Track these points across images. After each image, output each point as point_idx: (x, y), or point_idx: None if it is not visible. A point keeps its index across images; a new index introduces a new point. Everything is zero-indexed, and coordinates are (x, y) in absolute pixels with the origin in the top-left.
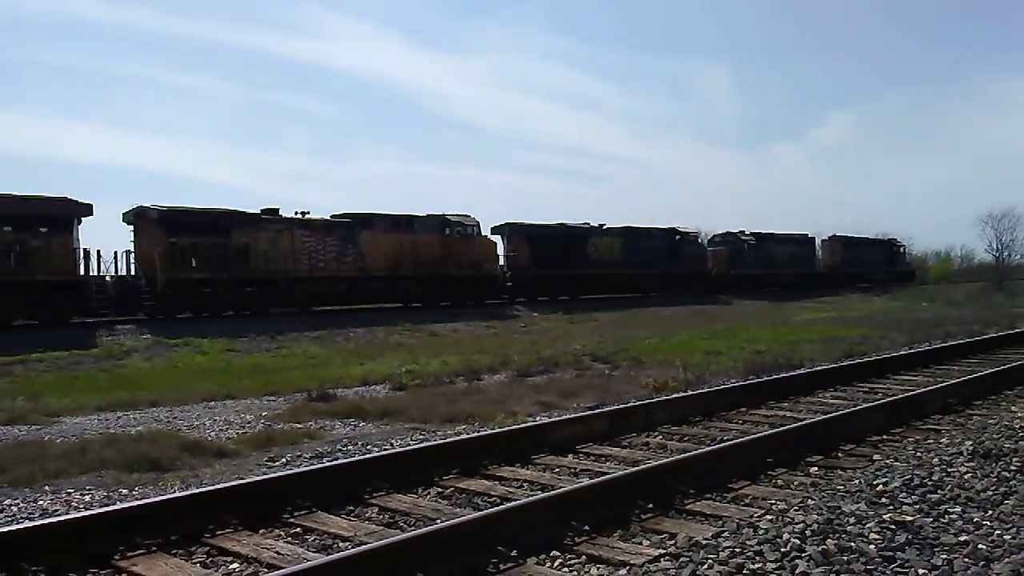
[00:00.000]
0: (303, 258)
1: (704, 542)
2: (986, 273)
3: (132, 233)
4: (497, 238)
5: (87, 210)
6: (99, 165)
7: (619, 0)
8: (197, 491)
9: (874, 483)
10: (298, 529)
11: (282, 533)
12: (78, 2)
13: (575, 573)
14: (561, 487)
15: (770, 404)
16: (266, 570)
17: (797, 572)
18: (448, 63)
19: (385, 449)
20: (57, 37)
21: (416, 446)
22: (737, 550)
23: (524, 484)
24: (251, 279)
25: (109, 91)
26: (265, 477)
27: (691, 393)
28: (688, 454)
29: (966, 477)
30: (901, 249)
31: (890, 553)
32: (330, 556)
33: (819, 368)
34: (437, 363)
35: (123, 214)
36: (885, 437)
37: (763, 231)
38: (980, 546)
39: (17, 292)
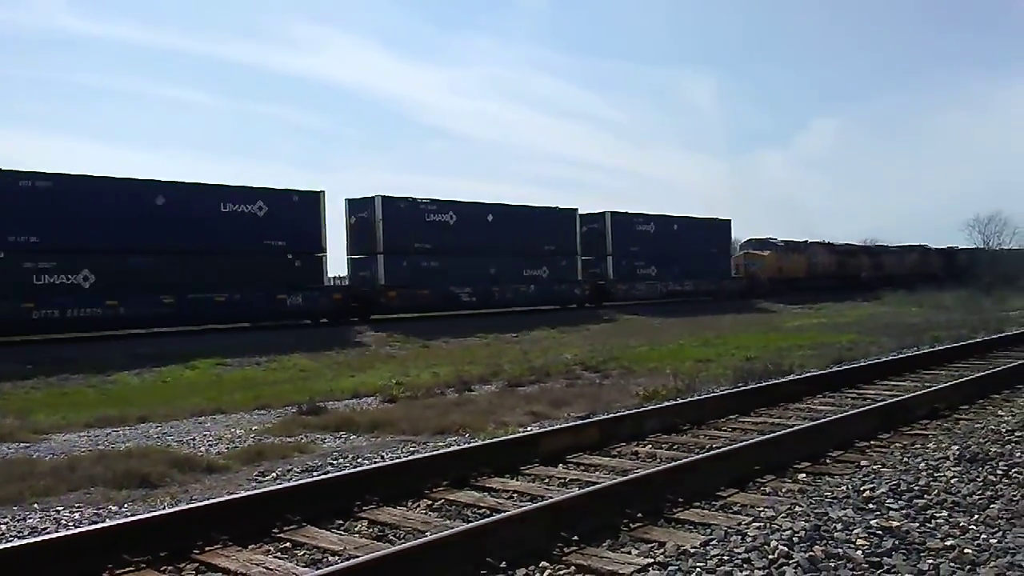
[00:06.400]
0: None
1: (692, 550)
2: None
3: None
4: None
5: None
6: None
7: (602, 10)
8: (186, 507)
9: (861, 489)
10: (288, 544)
11: (271, 548)
12: (63, 16)
13: None
14: (550, 498)
15: (759, 411)
16: None
17: None
18: (434, 74)
19: (375, 462)
20: (43, 52)
21: (406, 458)
22: (725, 558)
23: (514, 495)
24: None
25: (97, 105)
26: (254, 492)
27: (681, 402)
28: (677, 463)
29: (952, 482)
30: None
31: (877, 559)
32: (319, 571)
33: (808, 374)
34: (428, 374)
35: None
36: (873, 442)
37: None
38: (967, 550)
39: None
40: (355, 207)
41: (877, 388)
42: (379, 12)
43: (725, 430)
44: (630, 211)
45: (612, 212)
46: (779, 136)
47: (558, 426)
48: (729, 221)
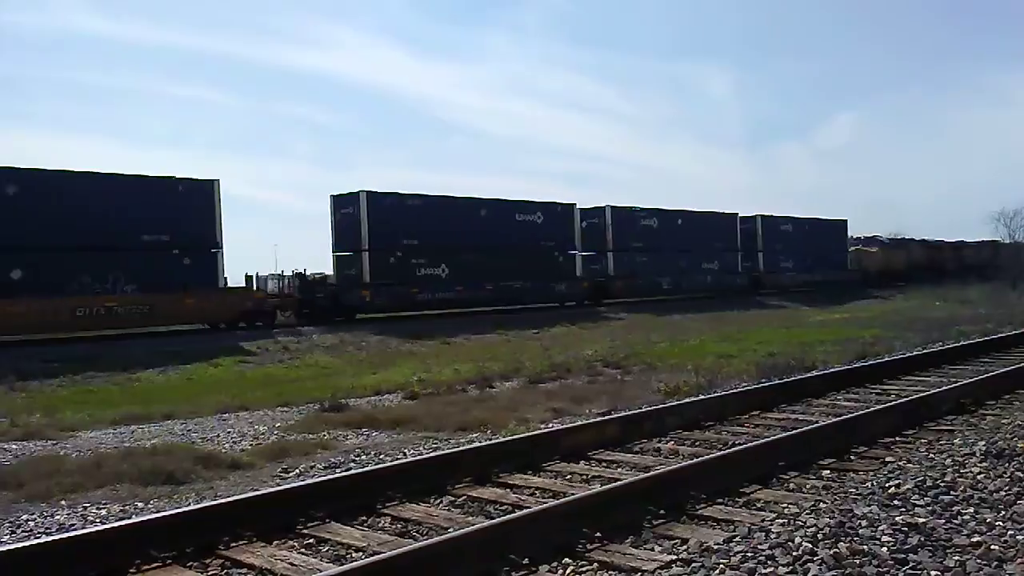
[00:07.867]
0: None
1: (716, 547)
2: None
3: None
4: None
5: None
6: None
7: (616, 4)
8: (211, 503)
9: (886, 485)
10: (312, 540)
11: (296, 544)
12: (79, 17)
13: None
14: (573, 494)
15: (782, 407)
16: None
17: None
18: (449, 70)
19: (398, 459)
20: (60, 53)
21: (428, 455)
22: (749, 554)
23: (536, 492)
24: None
25: (113, 105)
26: (278, 488)
27: (702, 397)
28: (699, 459)
29: (979, 478)
30: None
31: (902, 555)
32: (344, 567)
33: (832, 370)
34: (450, 371)
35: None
36: (898, 439)
37: None
38: (993, 547)
39: None
40: (586, 214)
41: (901, 384)
42: (393, 9)
43: (747, 426)
44: (775, 214)
45: (761, 215)
46: (798, 129)
47: (579, 422)
48: (845, 221)
